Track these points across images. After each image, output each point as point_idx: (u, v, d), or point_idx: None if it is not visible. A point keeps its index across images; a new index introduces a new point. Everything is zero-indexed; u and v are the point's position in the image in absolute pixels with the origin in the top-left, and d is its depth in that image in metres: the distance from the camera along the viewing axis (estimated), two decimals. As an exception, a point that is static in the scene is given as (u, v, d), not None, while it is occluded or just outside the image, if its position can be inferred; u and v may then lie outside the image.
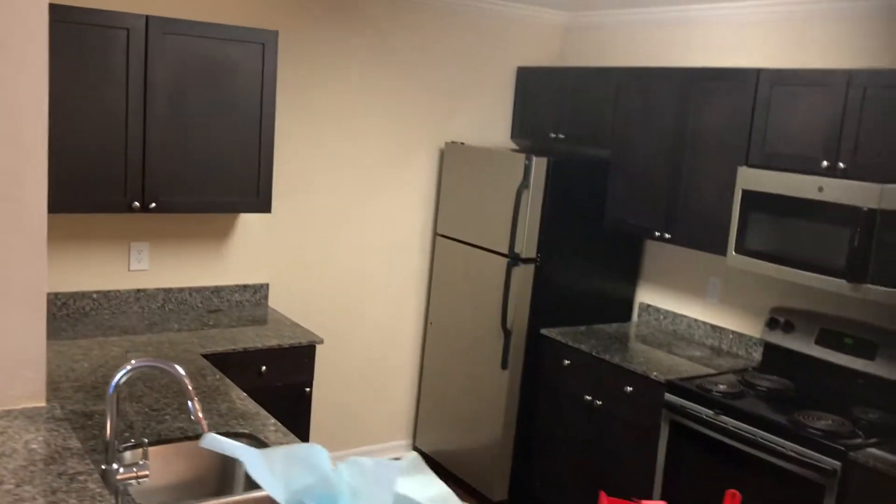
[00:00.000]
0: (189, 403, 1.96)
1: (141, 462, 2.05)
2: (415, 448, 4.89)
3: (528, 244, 4.06)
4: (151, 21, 3.40)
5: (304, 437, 3.74)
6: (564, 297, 4.25)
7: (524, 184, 4.02)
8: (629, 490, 3.65)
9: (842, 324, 3.52)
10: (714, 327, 4.11)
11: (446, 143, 4.61)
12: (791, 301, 3.77)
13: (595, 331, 4.24)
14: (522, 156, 4.03)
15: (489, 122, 4.81)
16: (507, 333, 4.14)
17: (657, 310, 4.41)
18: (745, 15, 3.93)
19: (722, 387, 3.42)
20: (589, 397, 3.91)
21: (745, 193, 3.48)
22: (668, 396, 3.50)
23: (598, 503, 1.13)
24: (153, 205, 3.52)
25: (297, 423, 3.71)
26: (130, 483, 2.07)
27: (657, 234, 3.95)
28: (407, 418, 4.89)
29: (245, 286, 4.18)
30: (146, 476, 2.03)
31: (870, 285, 3.04)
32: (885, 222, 2.98)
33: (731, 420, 3.26)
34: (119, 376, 1.97)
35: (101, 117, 3.36)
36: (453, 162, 4.54)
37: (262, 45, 3.66)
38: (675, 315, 4.31)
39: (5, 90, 2.08)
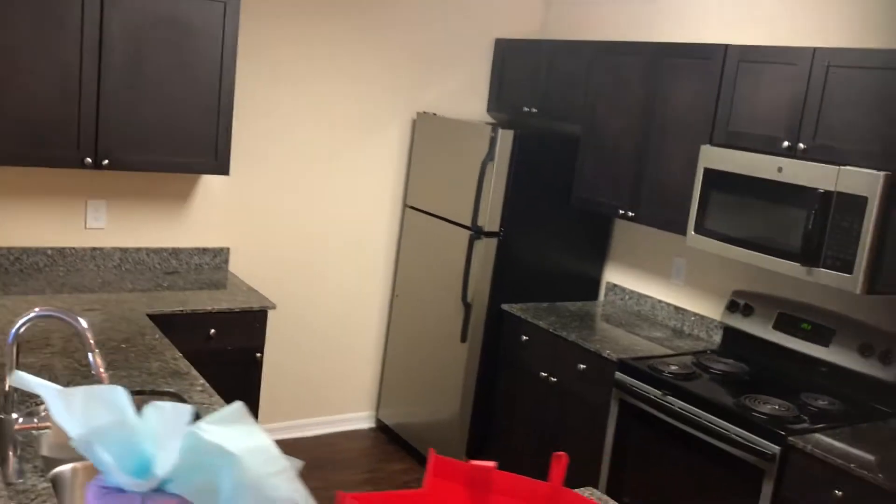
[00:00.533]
0: (89, 356, 1.93)
1: (43, 413, 2.02)
2: (377, 420, 4.87)
3: (491, 218, 4.00)
4: (108, -26, 3.34)
5: (255, 401, 3.72)
6: (528, 272, 4.20)
7: (489, 156, 3.96)
8: (579, 467, 3.61)
9: (801, 309, 3.46)
10: (677, 309, 4.05)
11: (418, 114, 4.55)
12: (754, 284, 3.71)
13: (557, 308, 4.19)
14: (489, 128, 3.97)
15: (466, 94, 4.74)
16: (468, 307, 4.09)
17: (623, 289, 4.36)
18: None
19: (673, 368, 3.37)
20: (545, 374, 3.87)
21: (707, 172, 3.41)
22: (619, 375, 3.45)
23: (427, 460, 1.09)
24: (106, 161, 3.48)
25: (248, 387, 3.69)
26: (34, 434, 2.05)
27: (622, 212, 3.88)
28: (370, 390, 4.86)
29: (205, 249, 4.14)
30: (47, 427, 1.99)
31: (822, 269, 2.97)
32: (841, 205, 2.91)
33: (677, 401, 3.21)
34: (19, 324, 1.94)
35: (55, 71, 3.31)
36: (424, 133, 4.48)
37: (224, 3, 3.60)
38: (640, 295, 4.25)
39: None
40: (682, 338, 3.90)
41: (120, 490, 1.00)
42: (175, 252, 4.06)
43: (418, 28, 4.51)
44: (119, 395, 1.00)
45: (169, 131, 3.59)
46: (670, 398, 3.23)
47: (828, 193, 2.95)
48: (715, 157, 3.37)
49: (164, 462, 0.98)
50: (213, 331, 3.53)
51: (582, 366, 3.67)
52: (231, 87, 3.69)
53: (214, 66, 3.64)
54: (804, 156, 3.10)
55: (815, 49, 3.08)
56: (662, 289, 4.15)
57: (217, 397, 2.54)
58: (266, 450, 1.07)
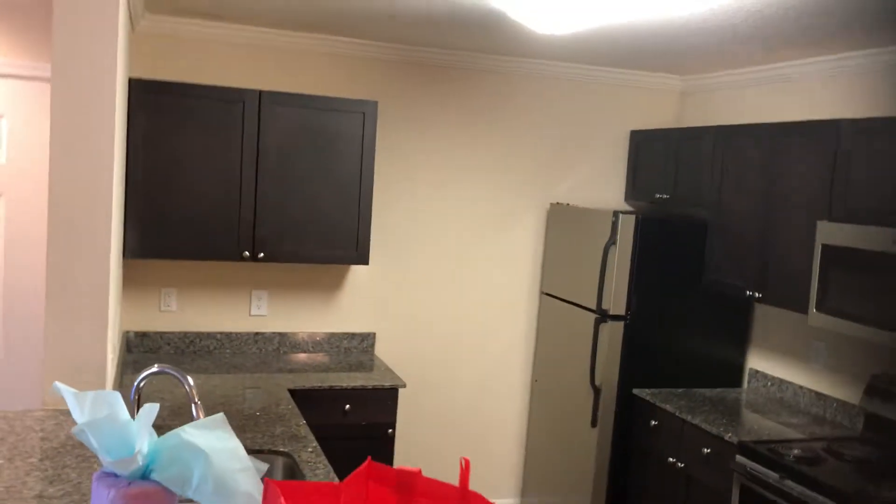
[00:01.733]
0: (192, 408, 2.26)
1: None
2: (522, 506, 4.92)
3: (616, 301, 4.07)
4: (264, 95, 3.91)
5: (387, 476, 3.95)
6: (660, 357, 4.17)
7: (611, 240, 4.07)
8: (706, 558, 3.49)
9: (942, 392, 3.22)
10: (819, 395, 3.86)
11: (551, 204, 4.75)
12: (891, 365, 3.49)
13: (692, 394, 4.12)
14: (610, 213, 4.09)
15: (603, 184, 4.90)
16: (597, 391, 4.13)
17: (765, 376, 4.20)
18: (833, 68, 3.80)
19: (797, 452, 3.22)
20: (672, 459, 3.80)
21: (825, 248, 3.32)
22: (739, 458, 3.35)
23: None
24: (261, 254, 3.97)
25: (381, 461, 3.92)
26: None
27: (749, 293, 3.82)
28: (513, 475, 4.94)
29: (353, 334, 4.52)
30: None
31: (945, 344, 2.80)
32: (959, 275, 2.76)
33: (797, 486, 3.06)
34: (139, 379, 2.32)
35: (219, 177, 3.89)
36: (557, 222, 4.67)
37: (363, 114, 4.06)
38: (782, 381, 4.09)
39: (81, 156, 2.56)
40: (822, 425, 3.70)
41: (114, 475, 1.27)
42: (327, 337, 4.47)
43: (557, 123, 4.76)
44: (116, 399, 1.28)
45: (315, 227, 4.05)
46: (788, 482, 3.09)
47: (944, 264, 2.80)
48: (831, 233, 3.29)
49: (142, 446, 1.24)
50: (347, 406, 3.84)
51: (706, 450, 3.59)
52: (370, 187, 4.10)
53: (355, 167, 4.08)
54: (921, 226, 2.97)
55: (925, 117, 2.99)
56: (803, 374, 3.98)
57: (324, 458, 2.80)
58: (234, 451, 1.31)
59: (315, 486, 1.20)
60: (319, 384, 3.82)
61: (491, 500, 4.20)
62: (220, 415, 1.35)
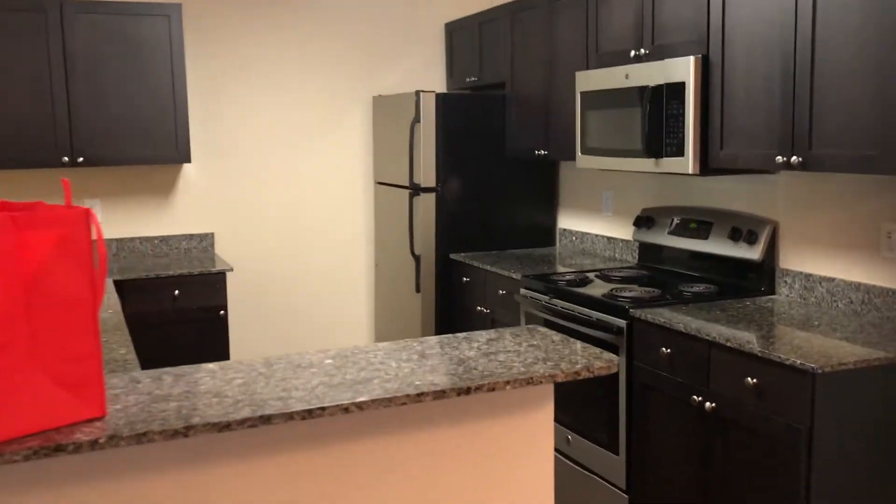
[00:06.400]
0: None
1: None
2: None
3: (425, 174, 4.39)
4: (65, 4, 4.06)
5: (224, 351, 4.25)
6: (475, 223, 4.53)
7: (416, 119, 4.37)
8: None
9: (688, 211, 3.63)
10: (609, 239, 4.27)
11: (373, 98, 5.03)
12: (658, 199, 3.90)
13: (504, 254, 4.49)
14: (413, 94, 4.39)
15: (426, 75, 5.18)
16: (417, 259, 4.47)
17: (571, 232, 4.60)
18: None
19: (568, 277, 3.62)
20: (480, 307, 4.18)
21: (582, 95, 3.68)
22: (522, 291, 3.73)
23: None
24: (80, 159, 4.16)
25: (217, 340, 4.22)
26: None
27: (537, 153, 4.18)
28: (366, 356, 5.28)
29: (191, 235, 4.75)
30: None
31: (665, 158, 3.19)
32: (669, 95, 3.13)
33: (560, 301, 3.46)
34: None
35: (31, 87, 4.04)
36: (379, 114, 4.95)
37: (168, 17, 4.25)
38: (584, 234, 4.49)
39: None
40: (608, 262, 4.11)
41: None
42: (165, 239, 4.69)
43: (372, 21, 5.01)
44: None
45: (133, 130, 4.24)
46: (555, 300, 3.49)
47: (658, 87, 3.18)
48: (584, 80, 3.65)
49: None
50: (177, 291, 4.09)
51: (501, 291, 3.97)
52: (183, 87, 4.31)
53: (165, 70, 4.28)
54: (647, 59, 3.34)
55: (643, -39, 3.34)
56: (598, 223, 4.38)
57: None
58: None
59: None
60: (146, 274, 4.06)
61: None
62: None
